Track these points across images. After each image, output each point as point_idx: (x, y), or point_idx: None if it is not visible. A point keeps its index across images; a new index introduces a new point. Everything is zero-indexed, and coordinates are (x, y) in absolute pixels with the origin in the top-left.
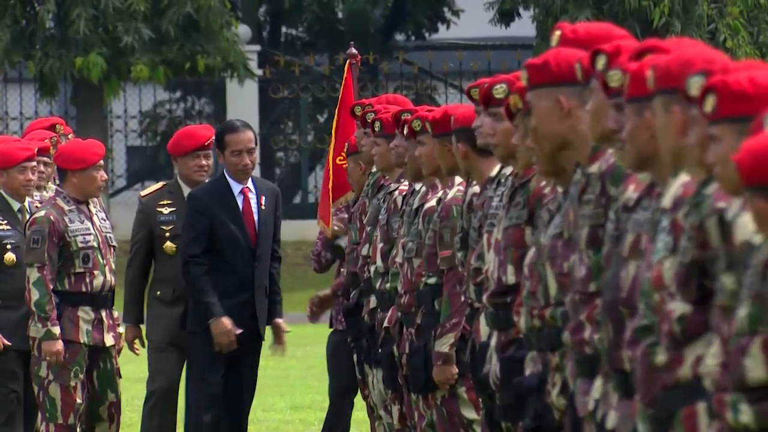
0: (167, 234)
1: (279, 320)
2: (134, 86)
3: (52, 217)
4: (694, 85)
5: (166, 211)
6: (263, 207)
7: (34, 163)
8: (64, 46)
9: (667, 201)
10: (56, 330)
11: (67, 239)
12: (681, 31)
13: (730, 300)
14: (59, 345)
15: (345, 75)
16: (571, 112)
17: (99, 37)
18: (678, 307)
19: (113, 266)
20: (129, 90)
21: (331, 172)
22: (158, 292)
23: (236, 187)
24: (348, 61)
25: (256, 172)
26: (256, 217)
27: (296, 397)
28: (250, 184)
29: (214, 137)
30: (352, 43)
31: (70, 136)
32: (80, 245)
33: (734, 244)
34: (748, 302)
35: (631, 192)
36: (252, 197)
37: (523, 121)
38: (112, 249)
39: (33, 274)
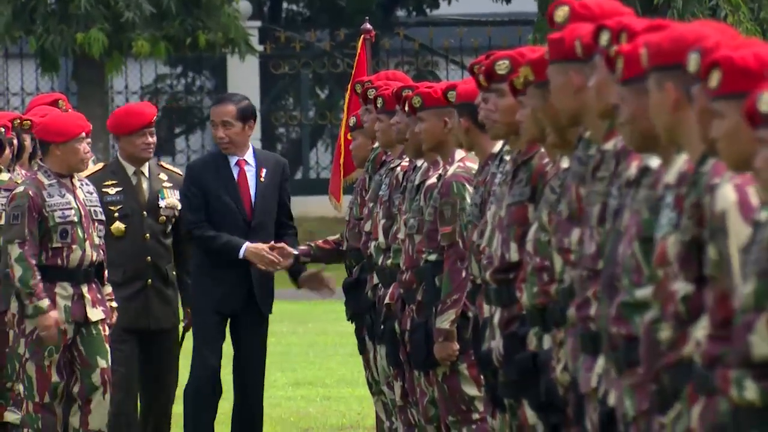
0: (115, 214)
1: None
2: (135, 62)
3: (31, 192)
4: (693, 60)
5: (112, 191)
6: (262, 179)
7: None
8: (65, 22)
9: (671, 176)
10: (44, 303)
11: (44, 214)
12: (682, 8)
13: (713, 270)
14: (53, 317)
15: (359, 50)
16: (582, 89)
17: (100, 12)
18: (681, 287)
19: (97, 241)
20: (130, 65)
21: (342, 147)
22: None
23: (232, 159)
24: (362, 36)
25: (257, 147)
26: (252, 190)
27: (298, 374)
28: (249, 156)
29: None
30: (367, 18)
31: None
32: (58, 220)
33: (714, 212)
34: (753, 279)
35: (634, 168)
36: (249, 169)
37: (535, 94)
38: (96, 223)
39: (14, 251)
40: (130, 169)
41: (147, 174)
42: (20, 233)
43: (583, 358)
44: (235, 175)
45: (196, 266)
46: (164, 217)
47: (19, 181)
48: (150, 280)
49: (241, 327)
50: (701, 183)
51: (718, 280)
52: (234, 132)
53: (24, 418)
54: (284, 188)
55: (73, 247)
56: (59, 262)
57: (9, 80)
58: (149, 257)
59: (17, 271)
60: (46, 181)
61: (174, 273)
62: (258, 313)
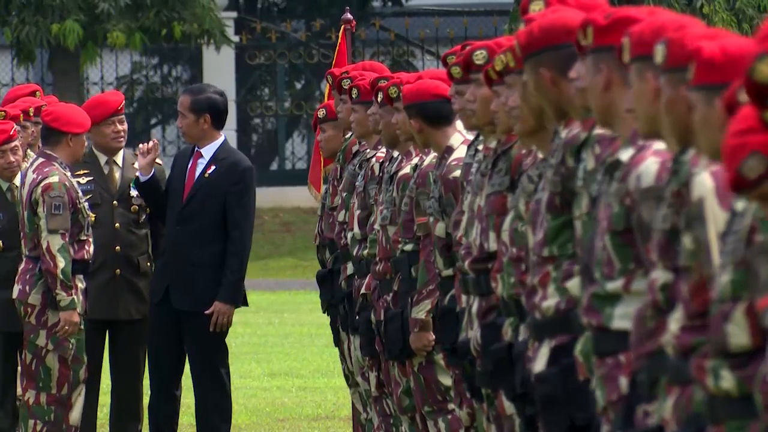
0: (85, 204)
1: (217, 303)
2: (111, 53)
3: (67, 183)
4: (659, 51)
5: (83, 180)
6: (206, 176)
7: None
8: (40, 13)
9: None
10: (77, 298)
11: (78, 206)
12: None
13: (688, 260)
14: (77, 316)
15: (339, 40)
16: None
17: (75, 3)
18: (660, 275)
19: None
20: (105, 57)
21: None
22: None
23: (194, 149)
24: (343, 26)
25: (232, 138)
26: (193, 181)
27: (273, 364)
28: (209, 149)
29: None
30: (347, 8)
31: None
32: (87, 212)
33: (691, 200)
34: (730, 268)
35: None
36: (201, 162)
37: (517, 81)
38: None
39: (57, 241)
40: (103, 159)
41: (120, 163)
42: (64, 224)
43: (534, 346)
44: (189, 164)
45: None
46: (136, 207)
47: None
48: (119, 270)
49: (182, 321)
50: (682, 172)
51: (693, 271)
52: (186, 123)
53: (34, 410)
54: (233, 192)
55: (90, 239)
56: (85, 255)
57: None
58: (119, 247)
59: (60, 262)
60: (67, 173)
61: (149, 264)
62: (174, 311)
